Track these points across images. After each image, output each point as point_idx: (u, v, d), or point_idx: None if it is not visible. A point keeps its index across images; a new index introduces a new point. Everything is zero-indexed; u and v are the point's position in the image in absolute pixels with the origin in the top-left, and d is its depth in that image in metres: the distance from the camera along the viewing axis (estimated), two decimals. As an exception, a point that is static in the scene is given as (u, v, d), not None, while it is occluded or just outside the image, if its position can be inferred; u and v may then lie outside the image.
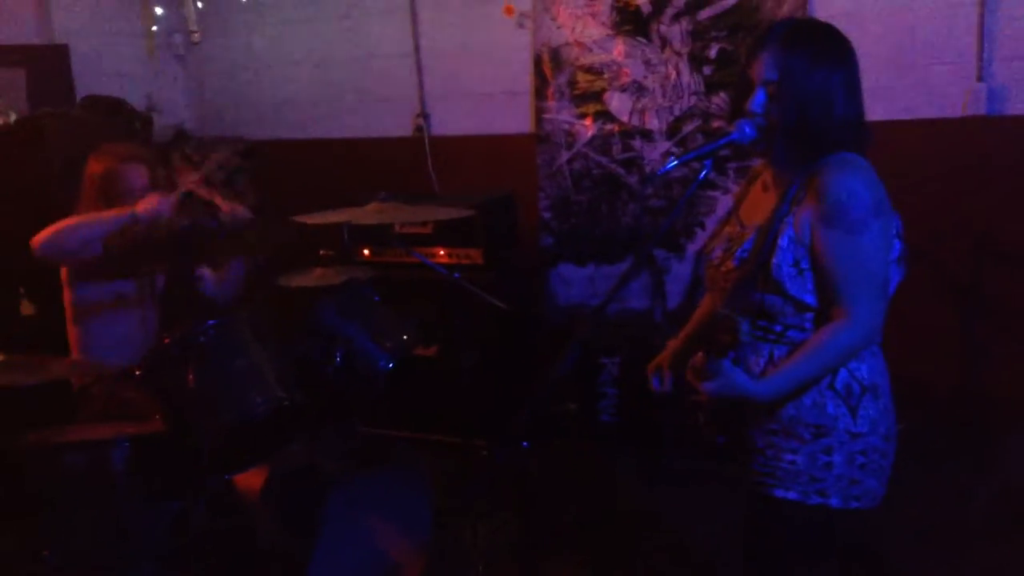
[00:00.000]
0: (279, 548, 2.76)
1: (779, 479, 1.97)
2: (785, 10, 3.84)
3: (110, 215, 3.04)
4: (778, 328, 1.95)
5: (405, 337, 3.10)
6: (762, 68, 1.92)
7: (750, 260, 1.92)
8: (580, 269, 4.48)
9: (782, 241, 1.89)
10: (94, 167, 3.25)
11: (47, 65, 4.60)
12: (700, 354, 1.89)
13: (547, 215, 4.50)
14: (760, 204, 2.03)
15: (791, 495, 1.95)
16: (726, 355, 1.80)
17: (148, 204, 3.03)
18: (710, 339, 1.79)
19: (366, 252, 4.32)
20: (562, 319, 4.50)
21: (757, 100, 1.93)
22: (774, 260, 1.89)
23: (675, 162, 1.97)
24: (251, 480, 2.78)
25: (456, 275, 3.25)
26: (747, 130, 1.94)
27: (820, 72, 1.88)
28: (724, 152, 2.03)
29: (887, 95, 3.71)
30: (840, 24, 1.99)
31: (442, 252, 4.17)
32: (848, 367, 1.92)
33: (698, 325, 2.31)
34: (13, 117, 4.12)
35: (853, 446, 1.93)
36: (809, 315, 1.93)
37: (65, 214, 3.13)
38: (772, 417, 1.96)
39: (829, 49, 1.93)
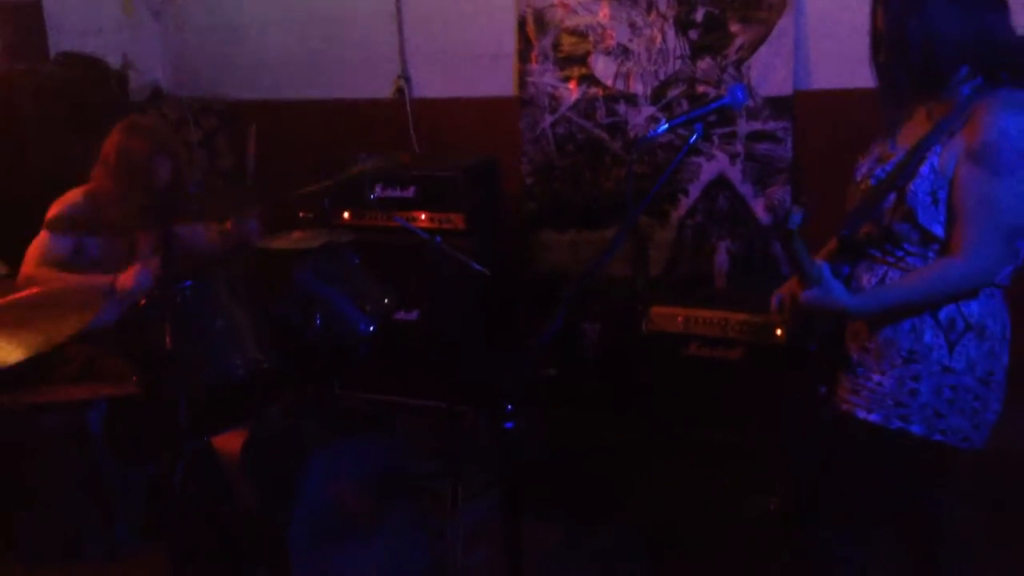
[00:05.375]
0: (257, 510, 2.75)
1: (864, 399, 1.96)
2: (773, -26, 3.80)
3: (86, 284, 3.04)
4: (899, 253, 1.93)
5: (386, 301, 3.09)
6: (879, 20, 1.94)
7: (887, 181, 1.91)
8: (562, 235, 4.45)
9: (923, 169, 1.86)
10: (125, 142, 3.18)
11: (20, 22, 4.50)
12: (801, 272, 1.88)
13: (530, 180, 4.47)
14: (919, 130, 1.97)
15: (873, 417, 1.94)
16: (789, 239, 1.80)
17: (127, 280, 3.02)
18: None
19: (346, 215, 4.27)
20: (544, 285, 4.48)
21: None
22: (911, 186, 1.87)
23: (665, 126, 1.94)
24: (230, 443, 2.77)
25: (438, 239, 3.22)
26: (739, 95, 1.91)
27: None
28: (711, 117, 2.00)
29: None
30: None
31: (423, 216, 4.13)
32: (956, 301, 1.89)
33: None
34: (-15, 73, 4.03)
35: (943, 379, 1.90)
36: (934, 246, 1.89)
37: (44, 173, 3.08)
38: (870, 335, 1.94)
39: None
